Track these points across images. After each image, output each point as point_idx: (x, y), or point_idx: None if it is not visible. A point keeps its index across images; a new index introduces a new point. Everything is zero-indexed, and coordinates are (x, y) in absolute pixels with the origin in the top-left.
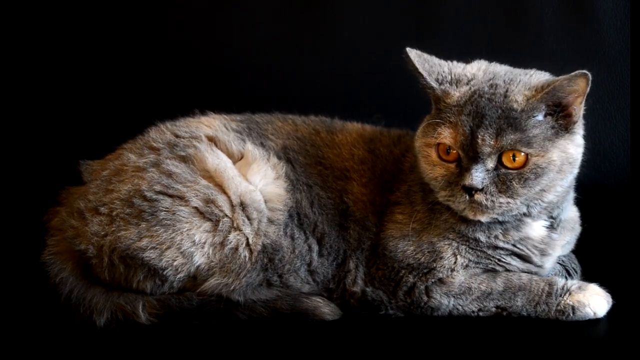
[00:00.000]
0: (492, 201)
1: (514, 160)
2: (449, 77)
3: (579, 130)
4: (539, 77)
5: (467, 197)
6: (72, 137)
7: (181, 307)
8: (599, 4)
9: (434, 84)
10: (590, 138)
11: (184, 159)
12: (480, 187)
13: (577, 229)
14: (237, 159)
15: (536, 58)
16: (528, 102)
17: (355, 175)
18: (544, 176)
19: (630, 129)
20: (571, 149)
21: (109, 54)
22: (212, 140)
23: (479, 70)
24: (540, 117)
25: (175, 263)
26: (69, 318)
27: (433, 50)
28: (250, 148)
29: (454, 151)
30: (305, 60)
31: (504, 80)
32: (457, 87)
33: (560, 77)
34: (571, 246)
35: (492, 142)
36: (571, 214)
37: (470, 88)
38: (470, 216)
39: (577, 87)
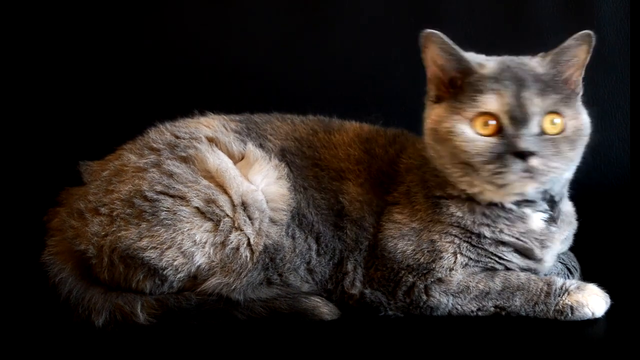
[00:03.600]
0: (547, 165)
1: (554, 125)
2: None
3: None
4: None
5: (521, 163)
6: (72, 138)
7: (180, 307)
8: (599, 4)
9: (467, 56)
10: (590, 138)
11: (185, 160)
12: (535, 149)
13: (574, 223)
14: (237, 159)
15: None
16: (543, 65)
17: (351, 175)
18: (581, 140)
19: (630, 129)
20: (588, 119)
21: (108, 54)
22: (212, 141)
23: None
24: (555, 77)
25: (175, 263)
26: (68, 318)
27: None
28: (252, 148)
29: (493, 123)
30: (305, 59)
31: (518, 59)
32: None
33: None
34: (569, 242)
35: (538, 101)
36: (568, 207)
37: (495, 63)
38: (518, 188)
39: (584, 46)
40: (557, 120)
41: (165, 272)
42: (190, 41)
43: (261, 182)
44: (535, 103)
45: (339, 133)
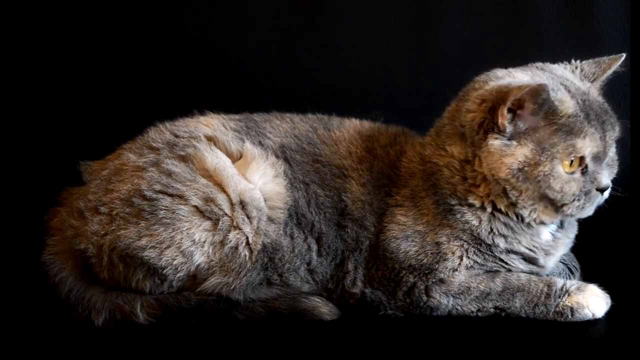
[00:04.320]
0: (609, 190)
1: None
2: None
3: None
4: (561, 66)
5: (601, 196)
6: (72, 138)
7: (179, 307)
8: (599, 4)
9: (556, 101)
10: None
11: (184, 159)
12: (610, 182)
13: (575, 224)
14: (236, 158)
15: (536, 58)
16: (597, 90)
17: (354, 174)
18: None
19: (630, 129)
20: None
21: (108, 54)
22: (211, 139)
23: (536, 77)
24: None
25: (174, 262)
26: (68, 318)
27: (433, 50)
28: (249, 147)
29: (577, 160)
30: (304, 58)
31: (569, 81)
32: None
33: (605, 61)
34: (571, 243)
35: (613, 137)
36: None
37: (569, 96)
38: (585, 215)
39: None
40: None
41: (164, 271)
42: (190, 41)
43: (259, 181)
44: (612, 138)
45: (339, 130)
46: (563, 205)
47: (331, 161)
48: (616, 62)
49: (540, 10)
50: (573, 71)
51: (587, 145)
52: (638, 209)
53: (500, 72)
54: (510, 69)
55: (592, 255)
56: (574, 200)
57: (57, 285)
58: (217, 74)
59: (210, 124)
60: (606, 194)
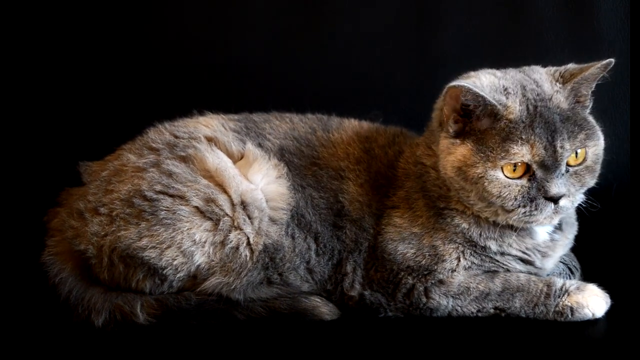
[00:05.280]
0: (572, 201)
1: (577, 157)
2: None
3: None
4: (542, 70)
5: (553, 206)
6: (72, 138)
7: (179, 307)
8: (599, 4)
9: (498, 104)
10: None
11: (184, 159)
12: (564, 191)
13: (575, 225)
14: (236, 159)
15: (536, 58)
16: (566, 97)
17: (351, 175)
18: (599, 163)
19: (630, 129)
20: (601, 135)
21: (108, 54)
22: (212, 140)
23: (500, 79)
24: (575, 107)
25: (175, 262)
26: (68, 318)
27: (433, 50)
28: (251, 147)
29: (522, 166)
30: (304, 58)
31: (536, 85)
32: (509, 100)
33: (574, 65)
34: (571, 243)
35: (568, 147)
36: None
37: (519, 101)
38: (546, 223)
39: (599, 75)
40: (580, 150)
41: (164, 271)
42: (190, 41)
43: (261, 181)
44: (566, 149)
45: (337, 131)
46: (510, 211)
47: (329, 163)
48: (595, 66)
49: (540, 10)
50: (553, 75)
51: (525, 152)
52: (638, 209)
53: (472, 73)
54: (488, 70)
55: (592, 255)
56: (518, 206)
57: (57, 285)
58: (216, 74)
59: (210, 124)
60: (564, 203)
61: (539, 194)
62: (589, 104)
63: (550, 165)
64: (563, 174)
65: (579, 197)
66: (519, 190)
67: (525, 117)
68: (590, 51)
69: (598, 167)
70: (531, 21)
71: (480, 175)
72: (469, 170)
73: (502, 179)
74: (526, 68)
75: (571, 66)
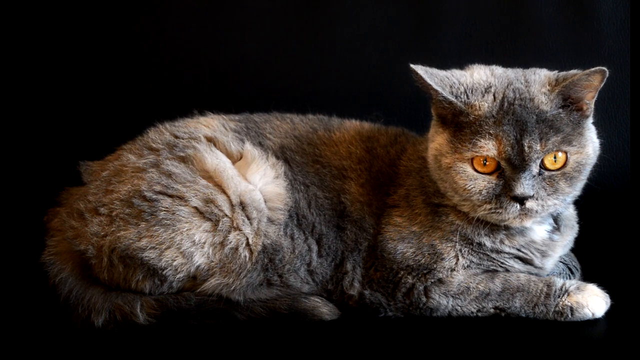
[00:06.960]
0: (542, 205)
1: (555, 161)
2: (462, 87)
3: (592, 125)
4: (544, 73)
5: (518, 206)
6: (72, 138)
7: (179, 307)
8: (599, 4)
9: (453, 98)
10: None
11: (184, 160)
12: (532, 194)
13: (576, 227)
14: (236, 159)
15: (536, 58)
16: (550, 100)
17: (353, 174)
18: (584, 171)
19: (630, 129)
20: (596, 141)
21: (108, 54)
22: (211, 140)
23: (489, 76)
24: (561, 112)
25: (174, 263)
26: (68, 318)
27: (433, 50)
28: (249, 148)
29: (492, 162)
30: (304, 59)
31: (522, 84)
32: (478, 97)
33: (575, 71)
34: (571, 244)
35: (538, 148)
36: (570, 211)
37: (495, 97)
38: (516, 224)
39: (593, 83)
40: (560, 154)
41: (164, 272)
42: (190, 41)
43: (259, 182)
44: (535, 149)
45: (339, 131)
46: (478, 206)
47: (331, 162)
48: (583, 73)
49: (540, 10)
50: (549, 78)
51: (491, 147)
52: (638, 210)
53: (474, 66)
54: (491, 66)
55: (592, 255)
56: (484, 201)
57: (57, 285)
58: (217, 74)
59: (210, 124)
60: (531, 205)
61: (504, 192)
62: (590, 113)
63: (517, 164)
64: (534, 176)
65: (551, 203)
66: (484, 186)
67: (497, 113)
68: (590, 51)
69: (579, 176)
70: (531, 21)
71: (449, 165)
72: (442, 159)
73: (470, 172)
74: (532, 69)
75: (572, 72)
